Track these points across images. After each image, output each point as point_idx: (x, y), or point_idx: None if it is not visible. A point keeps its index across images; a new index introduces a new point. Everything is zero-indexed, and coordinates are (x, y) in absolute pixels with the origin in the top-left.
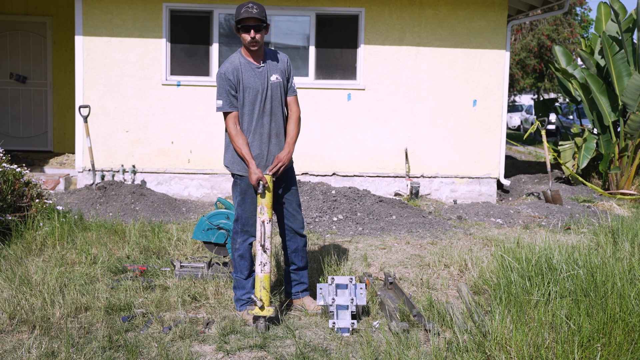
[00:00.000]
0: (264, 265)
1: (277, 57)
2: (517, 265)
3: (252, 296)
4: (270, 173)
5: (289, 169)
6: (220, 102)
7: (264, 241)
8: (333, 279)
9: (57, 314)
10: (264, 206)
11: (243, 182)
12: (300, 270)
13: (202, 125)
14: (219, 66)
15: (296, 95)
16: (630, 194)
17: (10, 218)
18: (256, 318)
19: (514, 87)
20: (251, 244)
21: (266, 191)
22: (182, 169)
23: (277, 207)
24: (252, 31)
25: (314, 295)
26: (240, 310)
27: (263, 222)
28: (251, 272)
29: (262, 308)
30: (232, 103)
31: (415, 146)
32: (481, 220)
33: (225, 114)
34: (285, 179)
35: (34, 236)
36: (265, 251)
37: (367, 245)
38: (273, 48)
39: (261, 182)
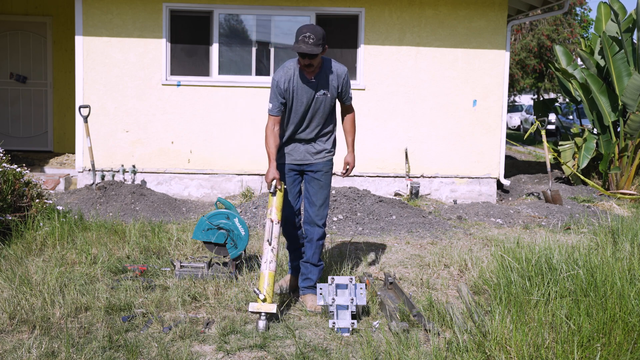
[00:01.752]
0: (270, 262)
1: (332, 72)
2: (517, 265)
3: (255, 289)
4: (343, 176)
5: (324, 165)
6: (270, 105)
7: (272, 239)
8: (333, 279)
9: (57, 314)
10: (274, 207)
11: (278, 167)
12: (309, 264)
13: (202, 125)
14: (219, 66)
15: (350, 104)
16: (630, 194)
17: (10, 218)
18: (256, 313)
19: (514, 87)
20: (291, 226)
21: (277, 191)
22: (182, 169)
23: (306, 194)
24: (306, 59)
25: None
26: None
27: (272, 221)
28: (293, 247)
29: (264, 301)
30: (279, 109)
31: (415, 146)
32: (481, 220)
33: (270, 115)
34: (322, 174)
35: (34, 236)
36: (272, 250)
37: (367, 245)
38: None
39: (274, 182)
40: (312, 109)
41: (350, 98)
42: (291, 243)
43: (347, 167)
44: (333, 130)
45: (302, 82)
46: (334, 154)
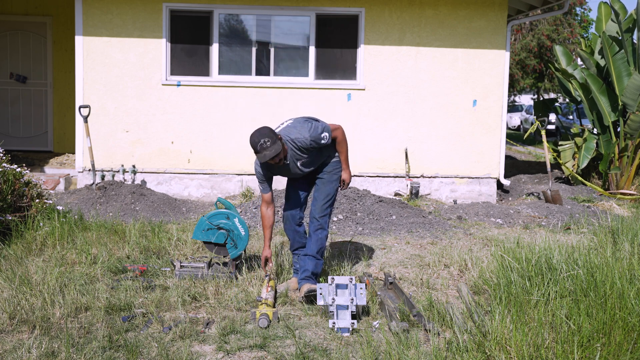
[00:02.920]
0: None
1: (297, 149)
2: (517, 265)
3: (258, 297)
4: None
5: (329, 166)
6: (260, 187)
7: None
8: (333, 279)
9: (57, 314)
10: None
11: None
12: (307, 256)
13: (202, 125)
14: (219, 66)
15: (332, 132)
16: (630, 194)
17: (10, 218)
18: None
19: (514, 87)
20: (292, 222)
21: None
22: (182, 169)
23: (313, 192)
24: (275, 159)
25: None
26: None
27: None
28: (296, 248)
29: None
30: (267, 188)
31: (415, 146)
32: (481, 220)
33: (262, 194)
34: (326, 173)
35: (34, 236)
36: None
37: (367, 245)
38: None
39: (267, 261)
40: (300, 170)
41: (328, 141)
42: (293, 242)
43: (343, 183)
44: (333, 155)
45: (278, 166)
46: (338, 156)
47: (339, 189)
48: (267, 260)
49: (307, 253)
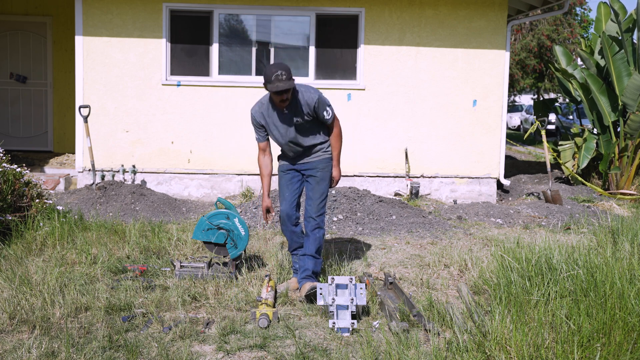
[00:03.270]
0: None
1: (304, 101)
2: (517, 265)
3: (258, 297)
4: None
5: (320, 162)
6: (255, 135)
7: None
8: (333, 279)
9: (57, 314)
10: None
11: (279, 164)
12: (306, 256)
13: (202, 125)
14: (219, 66)
15: (332, 120)
16: (630, 194)
17: (10, 218)
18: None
19: (514, 87)
20: (289, 222)
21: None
22: (182, 169)
23: (306, 192)
24: (283, 95)
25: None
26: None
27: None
28: (295, 249)
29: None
30: (263, 137)
31: (415, 146)
32: (481, 220)
33: (258, 143)
34: (318, 171)
35: (34, 236)
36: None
37: (367, 245)
38: (303, 85)
39: (268, 212)
40: (293, 134)
41: (329, 119)
42: (291, 243)
43: (334, 181)
44: (325, 142)
45: (277, 114)
46: (330, 153)
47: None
48: (268, 210)
49: (306, 253)
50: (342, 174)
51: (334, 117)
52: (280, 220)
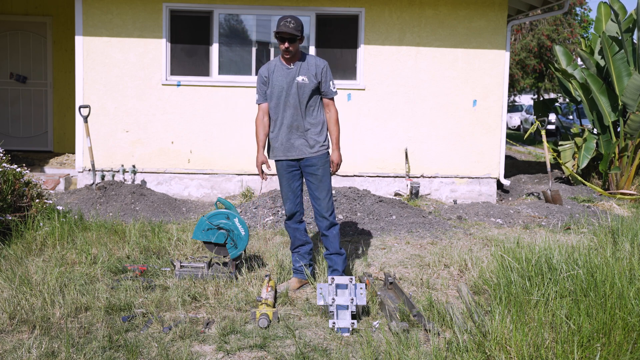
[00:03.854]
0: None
1: (312, 62)
2: (517, 265)
3: (258, 297)
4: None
5: (318, 159)
6: (257, 96)
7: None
8: (333, 279)
9: (57, 314)
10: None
11: (278, 165)
12: (332, 255)
13: (202, 125)
14: (219, 66)
15: (333, 98)
16: (630, 194)
17: (10, 218)
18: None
19: (514, 87)
20: (294, 220)
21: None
22: (182, 169)
23: (309, 191)
24: (286, 42)
25: None
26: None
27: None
28: (297, 247)
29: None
30: (264, 97)
31: (415, 146)
32: (481, 220)
33: (258, 105)
34: (318, 169)
35: (34, 236)
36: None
37: (367, 245)
38: (313, 55)
39: (264, 166)
40: (293, 92)
41: (332, 92)
42: (294, 240)
43: (332, 164)
44: (322, 125)
45: (282, 68)
46: (328, 147)
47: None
48: (263, 164)
49: (331, 252)
50: (341, 173)
51: (334, 96)
52: (286, 219)
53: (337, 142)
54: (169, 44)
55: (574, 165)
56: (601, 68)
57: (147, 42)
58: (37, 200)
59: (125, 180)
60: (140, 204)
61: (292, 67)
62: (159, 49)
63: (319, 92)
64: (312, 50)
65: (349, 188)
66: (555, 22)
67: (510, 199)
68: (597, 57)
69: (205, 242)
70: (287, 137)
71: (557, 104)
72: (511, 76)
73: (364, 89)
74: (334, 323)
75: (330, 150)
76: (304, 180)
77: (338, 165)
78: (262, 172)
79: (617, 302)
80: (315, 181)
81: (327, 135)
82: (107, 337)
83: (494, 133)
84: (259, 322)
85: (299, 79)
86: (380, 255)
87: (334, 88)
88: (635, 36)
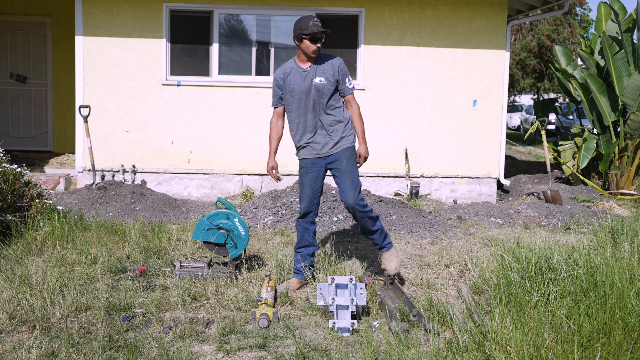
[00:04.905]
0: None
1: (327, 61)
2: (517, 265)
3: (257, 297)
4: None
5: (342, 152)
6: (272, 100)
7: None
8: (333, 279)
9: (57, 314)
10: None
11: (302, 163)
12: (369, 234)
13: (202, 126)
14: (219, 66)
15: (352, 93)
16: (630, 194)
17: (10, 218)
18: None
19: (514, 87)
20: (307, 220)
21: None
22: (182, 169)
23: (337, 185)
24: (318, 42)
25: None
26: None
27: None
28: (301, 246)
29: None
30: (278, 101)
31: (415, 146)
32: (481, 220)
33: (273, 108)
34: (343, 162)
35: (34, 236)
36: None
37: (367, 245)
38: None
39: (274, 171)
40: (312, 95)
41: (349, 90)
42: (301, 239)
43: (359, 157)
44: (346, 121)
45: (298, 71)
46: (352, 141)
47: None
48: (273, 169)
49: (368, 235)
50: None
51: (353, 90)
52: (299, 216)
53: (363, 135)
54: (169, 44)
55: (574, 165)
56: (601, 68)
57: (147, 42)
58: (37, 200)
59: (125, 180)
60: (140, 204)
61: (308, 69)
62: (159, 49)
63: (338, 90)
64: None
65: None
66: (555, 22)
67: (510, 199)
68: (597, 57)
69: (205, 242)
70: (311, 137)
71: (557, 104)
72: (511, 76)
73: (364, 89)
74: (334, 323)
75: (356, 144)
76: (324, 182)
77: (365, 158)
78: (273, 173)
79: (617, 302)
80: (340, 175)
81: (350, 129)
82: (107, 337)
83: (494, 133)
84: (259, 322)
85: (316, 80)
86: (381, 255)
87: (351, 84)
88: (635, 36)
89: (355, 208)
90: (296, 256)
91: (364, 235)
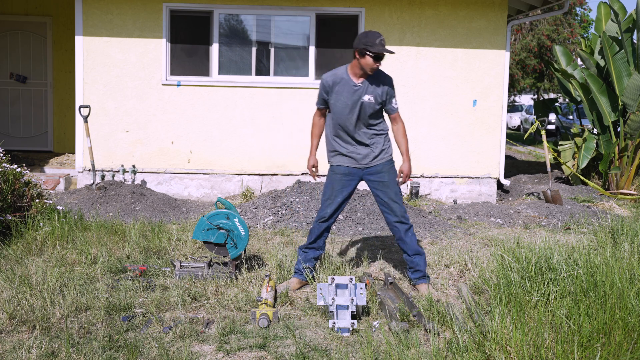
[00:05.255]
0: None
1: (379, 80)
2: (517, 265)
3: (257, 297)
4: (399, 185)
5: (383, 166)
6: (316, 99)
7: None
8: (333, 279)
9: (57, 314)
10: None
11: (337, 169)
12: (413, 256)
13: (202, 126)
14: (219, 66)
15: (397, 112)
16: (630, 194)
17: (10, 218)
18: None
19: (514, 87)
20: (327, 224)
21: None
22: (182, 169)
23: (377, 199)
24: (380, 61)
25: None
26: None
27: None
28: (310, 247)
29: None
30: (321, 103)
31: (415, 146)
32: (481, 220)
33: (316, 111)
34: (385, 175)
35: (34, 236)
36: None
37: (367, 245)
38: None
39: (314, 169)
40: (357, 110)
41: (394, 109)
42: (311, 238)
43: (402, 174)
44: (385, 133)
45: (349, 84)
46: (392, 154)
47: (399, 182)
48: (314, 167)
49: (411, 254)
50: None
51: (398, 109)
52: (317, 219)
53: (407, 152)
54: (169, 44)
55: (574, 165)
56: (601, 68)
57: (147, 42)
58: (37, 200)
59: (125, 180)
60: (140, 204)
61: (359, 84)
62: (159, 49)
63: (383, 107)
64: (312, 50)
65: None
66: (555, 22)
67: (510, 199)
68: (597, 57)
69: (205, 242)
70: (351, 148)
71: (557, 104)
72: (511, 76)
73: None
74: (334, 323)
75: (391, 157)
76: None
77: (408, 176)
78: (312, 171)
79: (617, 302)
80: (384, 188)
81: (389, 141)
82: (107, 337)
83: (494, 133)
84: (259, 322)
85: (365, 98)
86: (380, 255)
87: (396, 104)
88: (635, 36)
89: (400, 222)
90: (301, 256)
91: (408, 257)
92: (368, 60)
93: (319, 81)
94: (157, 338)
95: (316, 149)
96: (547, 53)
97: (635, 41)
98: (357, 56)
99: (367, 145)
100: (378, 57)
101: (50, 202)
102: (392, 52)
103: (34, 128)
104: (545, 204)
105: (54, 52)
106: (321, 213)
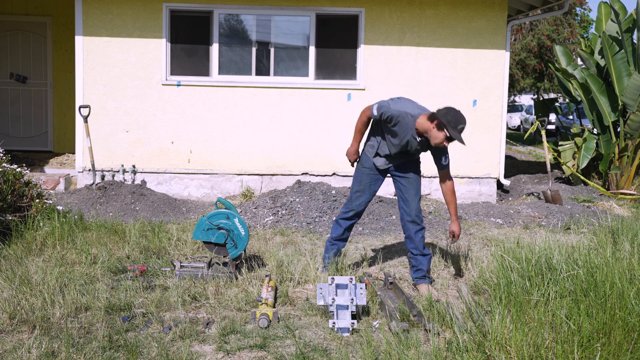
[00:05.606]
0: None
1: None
2: (517, 265)
3: (258, 297)
4: (452, 242)
5: (411, 165)
6: (375, 112)
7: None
8: (333, 279)
9: (57, 314)
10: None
11: (369, 164)
12: (417, 256)
13: (202, 126)
14: (219, 66)
15: (447, 169)
16: (630, 194)
17: (10, 218)
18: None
19: (514, 87)
20: (349, 218)
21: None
22: (182, 169)
23: (399, 193)
24: (449, 143)
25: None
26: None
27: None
28: (336, 241)
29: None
30: (375, 118)
31: None
32: (481, 220)
33: (368, 115)
34: (410, 171)
35: (34, 236)
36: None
37: (367, 245)
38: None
39: (355, 155)
40: (406, 152)
41: (444, 165)
42: (337, 232)
43: (453, 235)
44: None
45: (409, 134)
46: (419, 158)
47: (450, 243)
48: (355, 152)
49: (416, 253)
50: (341, 173)
51: (449, 165)
52: (346, 215)
53: (456, 212)
54: (169, 44)
55: (574, 165)
56: (601, 68)
57: (147, 42)
58: (37, 200)
59: (125, 180)
60: (140, 204)
61: (418, 139)
62: (159, 49)
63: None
64: (312, 50)
65: (349, 188)
66: (555, 22)
67: (510, 199)
68: (597, 57)
69: (205, 242)
70: (390, 159)
71: (557, 104)
72: (511, 76)
73: (364, 89)
74: (334, 323)
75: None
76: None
77: (458, 236)
78: (353, 157)
79: (617, 302)
80: (405, 183)
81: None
82: (107, 337)
83: (494, 133)
84: (259, 322)
85: (415, 148)
86: (380, 255)
87: (446, 162)
88: (635, 36)
89: (413, 222)
90: (328, 247)
91: (412, 255)
92: (440, 136)
93: (319, 81)
94: (157, 338)
95: (359, 144)
96: (547, 53)
97: (635, 41)
98: (434, 125)
99: (405, 159)
100: (450, 140)
101: (50, 202)
102: (464, 144)
103: (34, 128)
104: (545, 204)
105: (54, 52)
106: (353, 207)
